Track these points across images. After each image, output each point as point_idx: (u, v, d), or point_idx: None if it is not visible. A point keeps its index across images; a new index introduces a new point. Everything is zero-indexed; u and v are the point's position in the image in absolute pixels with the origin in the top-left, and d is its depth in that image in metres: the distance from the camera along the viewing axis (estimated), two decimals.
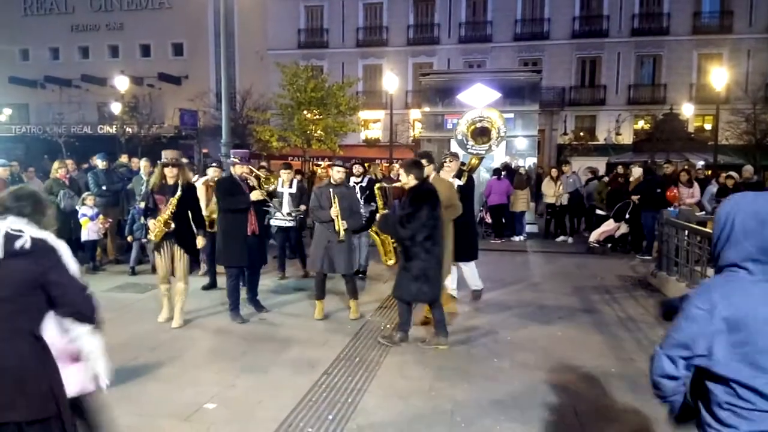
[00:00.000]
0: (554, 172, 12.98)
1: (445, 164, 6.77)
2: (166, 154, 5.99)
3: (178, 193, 5.81)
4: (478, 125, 7.36)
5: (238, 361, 5.08)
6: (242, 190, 6.17)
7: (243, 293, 6.58)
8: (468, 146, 7.62)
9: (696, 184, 11.11)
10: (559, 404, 4.23)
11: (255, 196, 6.15)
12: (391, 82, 21.74)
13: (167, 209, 5.80)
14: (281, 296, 7.36)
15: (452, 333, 5.90)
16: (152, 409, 4.07)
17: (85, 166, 11.90)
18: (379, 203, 6.14)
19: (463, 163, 7.15)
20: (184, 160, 6.54)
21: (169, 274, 6.04)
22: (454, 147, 9.13)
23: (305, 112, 22.09)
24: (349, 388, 4.46)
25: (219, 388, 4.46)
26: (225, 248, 6.22)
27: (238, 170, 6.20)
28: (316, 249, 6.27)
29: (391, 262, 6.14)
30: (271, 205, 6.76)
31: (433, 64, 30.31)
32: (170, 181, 5.90)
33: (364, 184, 8.39)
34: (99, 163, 9.59)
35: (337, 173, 6.32)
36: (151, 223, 5.90)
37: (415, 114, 27.57)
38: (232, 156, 6.56)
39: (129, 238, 8.68)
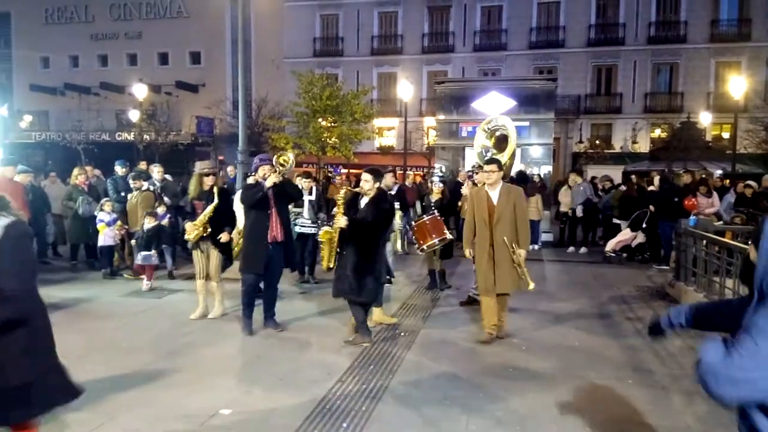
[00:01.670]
0: (571, 180, 12.91)
1: (472, 176, 6.81)
2: (203, 165, 6.56)
3: (215, 201, 6.24)
4: (497, 134, 7.34)
5: (254, 367, 5.09)
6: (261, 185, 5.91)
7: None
8: (486, 158, 7.58)
9: (715, 194, 10.99)
10: (576, 415, 4.18)
11: (270, 181, 5.74)
12: (405, 90, 21.79)
13: (205, 215, 6.24)
14: (295, 303, 7.38)
15: (467, 342, 5.88)
16: (168, 413, 4.09)
17: (98, 173, 11.97)
18: (341, 210, 5.62)
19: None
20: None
21: (205, 271, 6.50)
22: (474, 159, 9.12)
23: (320, 119, 22.24)
24: (363, 396, 4.45)
25: (234, 393, 4.47)
26: (244, 253, 6.11)
27: (261, 173, 5.97)
28: (384, 260, 6.23)
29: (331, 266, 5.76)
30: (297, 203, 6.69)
31: (447, 72, 30.39)
32: (206, 188, 6.38)
33: (393, 192, 8.43)
34: (118, 169, 9.73)
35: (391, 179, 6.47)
36: (188, 225, 6.38)
37: (429, 122, 27.61)
38: (257, 160, 6.25)
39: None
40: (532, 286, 5.88)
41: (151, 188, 9.07)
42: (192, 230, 6.31)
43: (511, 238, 5.72)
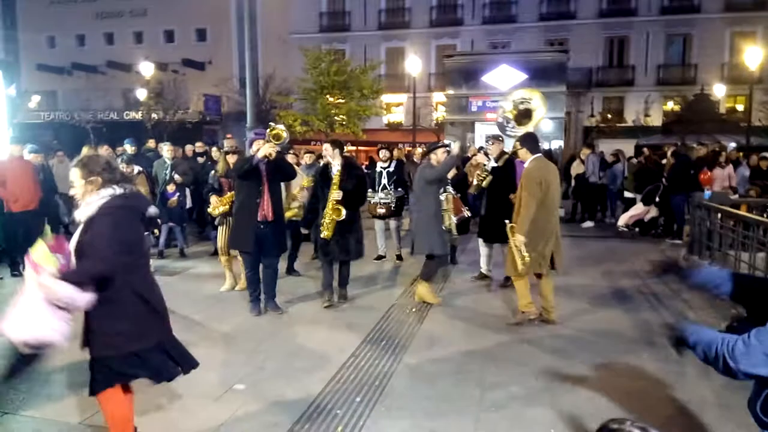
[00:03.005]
0: (583, 153, 12.77)
1: (485, 147, 6.73)
2: (228, 143, 6.83)
3: None
4: (521, 107, 7.24)
5: (266, 343, 5.11)
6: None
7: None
8: (508, 128, 7.53)
9: (730, 165, 10.85)
10: (590, 389, 4.17)
11: (262, 152, 5.39)
12: (414, 64, 21.53)
13: (232, 194, 6.33)
14: (305, 281, 7.38)
15: (480, 317, 5.87)
16: (182, 389, 4.11)
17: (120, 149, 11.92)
18: (336, 184, 5.94)
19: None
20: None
21: (228, 247, 6.63)
22: (493, 129, 8.98)
23: (328, 96, 22.06)
24: (376, 371, 4.46)
25: (248, 369, 4.49)
26: (233, 230, 5.98)
27: (255, 147, 5.69)
28: (439, 232, 6.13)
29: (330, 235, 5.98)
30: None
31: (456, 45, 29.93)
32: (231, 166, 6.53)
33: (391, 169, 8.34)
34: (128, 147, 9.70)
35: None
36: (213, 198, 6.66)
37: (438, 97, 27.32)
38: (253, 134, 6.16)
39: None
40: (520, 267, 5.36)
41: (141, 170, 8.86)
42: (217, 205, 6.57)
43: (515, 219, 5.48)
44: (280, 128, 5.67)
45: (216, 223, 6.95)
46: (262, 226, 5.65)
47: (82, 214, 2.80)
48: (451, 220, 6.81)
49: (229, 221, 6.57)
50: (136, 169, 8.54)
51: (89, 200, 2.80)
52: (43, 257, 2.73)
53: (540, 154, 5.66)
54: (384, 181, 8.21)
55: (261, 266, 5.95)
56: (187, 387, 4.15)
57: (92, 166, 2.83)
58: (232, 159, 6.69)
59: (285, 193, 6.91)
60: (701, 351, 1.99)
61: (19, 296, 2.71)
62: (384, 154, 8.48)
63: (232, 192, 6.37)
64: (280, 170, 5.75)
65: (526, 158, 5.59)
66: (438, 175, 6.06)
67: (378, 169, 8.39)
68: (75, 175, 2.84)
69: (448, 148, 6.27)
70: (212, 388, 4.13)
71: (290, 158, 7.19)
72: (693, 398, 3.98)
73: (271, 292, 6.00)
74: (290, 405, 3.89)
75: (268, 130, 5.66)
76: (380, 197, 8.21)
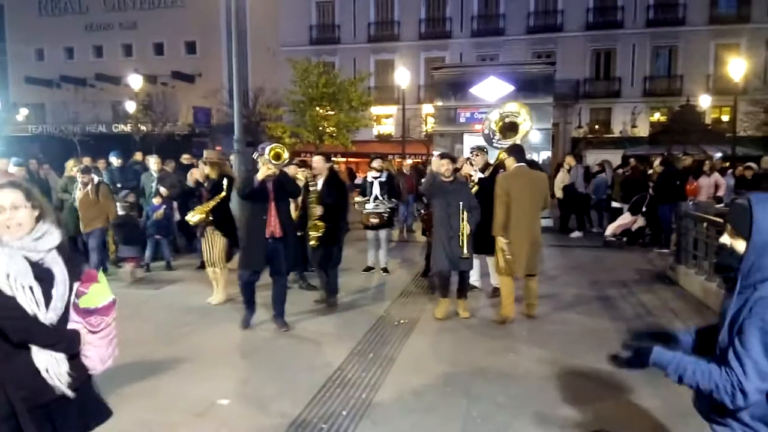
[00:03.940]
0: (568, 163, 12.86)
1: (470, 158, 6.83)
2: (207, 154, 6.97)
3: (223, 193, 6.54)
4: (507, 120, 7.36)
5: (253, 357, 5.07)
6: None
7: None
8: (494, 140, 7.63)
9: (716, 173, 10.98)
10: (577, 399, 4.16)
11: (261, 173, 5.36)
12: (403, 76, 21.63)
13: (210, 204, 6.51)
14: (292, 294, 7.33)
15: (468, 329, 5.86)
16: (166, 404, 4.07)
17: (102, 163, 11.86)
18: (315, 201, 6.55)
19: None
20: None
21: (212, 258, 6.70)
22: (479, 141, 9.04)
23: (317, 108, 22.12)
24: (362, 384, 4.42)
25: (233, 383, 4.45)
26: (242, 250, 5.81)
27: (261, 163, 5.59)
28: (436, 245, 6.03)
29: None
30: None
31: (445, 58, 30.17)
32: (213, 176, 6.70)
33: (383, 179, 8.33)
34: (114, 160, 9.65)
35: (446, 166, 5.93)
36: (196, 209, 6.66)
37: (427, 109, 27.46)
38: (259, 149, 5.83)
39: None
40: (501, 264, 6.00)
41: (101, 179, 8.54)
42: (195, 213, 6.58)
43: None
44: (280, 147, 5.51)
45: (198, 235, 6.92)
46: (270, 242, 5.55)
47: (51, 242, 2.20)
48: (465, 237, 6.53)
49: (208, 234, 6.60)
50: (96, 179, 8.28)
51: (44, 229, 2.20)
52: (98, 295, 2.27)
53: (522, 164, 5.94)
54: (376, 191, 8.17)
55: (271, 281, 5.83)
56: (171, 402, 4.11)
57: (33, 194, 2.26)
58: (207, 169, 6.82)
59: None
60: (679, 375, 1.89)
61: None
62: (377, 164, 8.44)
63: (211, 204, 6.50)
64: (284, 188, 5.67)
65: (511, 167, 5.93)
66: (422, 190, 6.41)
67: (369, 179, 8.35)
68: (16, 197, 2.16)
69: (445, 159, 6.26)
70: (196, 402, 4.07)
71: (291, 169, 6.84)
72: (677, 407, 3.97)
73: (279, 308, 5.80)
74: (275, 419, 3.85)
75: (267, 150, 5.46)
76: (373, 207, 8.17)
